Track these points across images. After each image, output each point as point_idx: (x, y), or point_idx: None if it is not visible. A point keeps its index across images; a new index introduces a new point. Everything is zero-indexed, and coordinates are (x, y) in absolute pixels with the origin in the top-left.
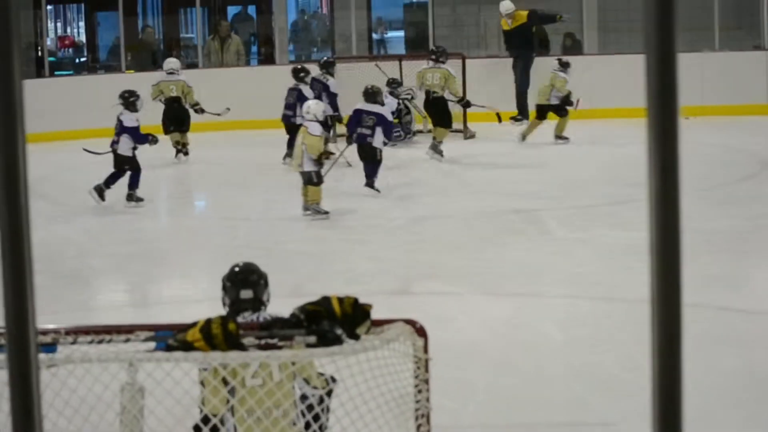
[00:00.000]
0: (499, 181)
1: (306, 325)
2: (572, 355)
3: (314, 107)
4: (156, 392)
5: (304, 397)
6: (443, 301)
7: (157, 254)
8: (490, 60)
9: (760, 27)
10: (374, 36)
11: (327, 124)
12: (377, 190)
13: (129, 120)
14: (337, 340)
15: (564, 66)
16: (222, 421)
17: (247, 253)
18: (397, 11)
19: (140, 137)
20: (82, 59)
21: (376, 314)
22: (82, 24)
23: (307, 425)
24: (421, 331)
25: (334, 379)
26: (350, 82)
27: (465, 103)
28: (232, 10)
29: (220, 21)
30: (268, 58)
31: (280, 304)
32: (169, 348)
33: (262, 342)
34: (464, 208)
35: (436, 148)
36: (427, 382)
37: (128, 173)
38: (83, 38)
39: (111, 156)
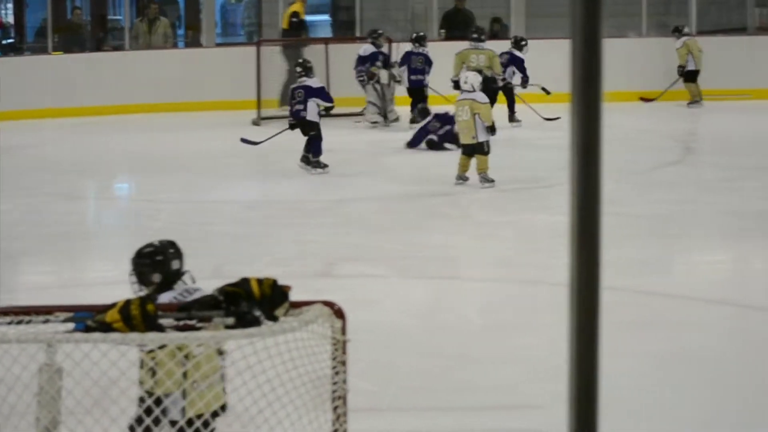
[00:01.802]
0: (425, 165)
1: (225, 307)
2: (494, 338)
3: (472, 77)
4: (74, 373)
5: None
6: (366, 284)
7: (78, 236)
8: None
9: (687, 13)
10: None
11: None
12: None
13: (315, 83)
14: (256, 322)
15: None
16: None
17: (169, 234)
18: None
19: (329, 97)
20: (9, 40)
21: (296, 296)
22: (9, 5)
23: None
24: (339, 313)
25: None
26: (275, 66)
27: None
28: None
29: (148, 3)
30: (195, 41)
31: (202, 285)
32: (87, 329)
33: (181, 323)
34: (388, 192)
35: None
36: (344, 364)
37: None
38: (11, 19)
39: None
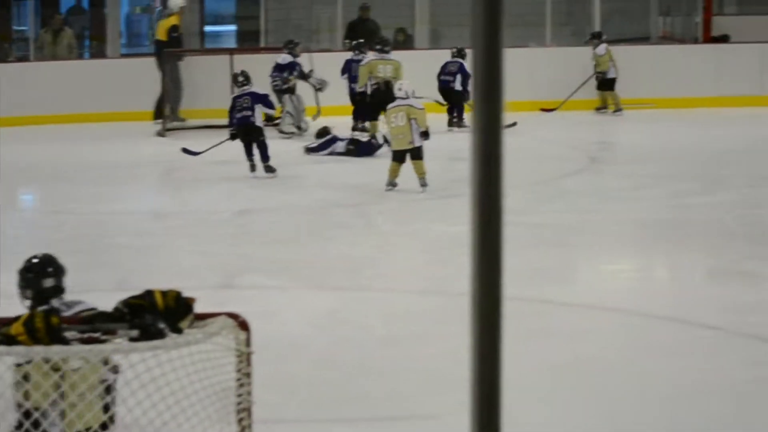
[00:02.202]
0: (327, 175)
1: (129, 319)
2: (396, 349)
3: (406, 85)
4: None
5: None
6: (268, 295)
7: None
8: (322, 54)
9: (591, 23)
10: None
11: None
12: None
13: (259, 90)
14: (160, 334)
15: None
16: (44, 415)
17: (73, 246)
18: (228, 5)
19: (272, 104)
20: None
21: (199, 308)
22: None
23: (106, 408)
24: (243, 325)
25: (116, 370)
26: (181, 75)
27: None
28: (65, 3)
29: (53, 14)
30: (100, 52)
31: (106, 298)
32: None
33: (85, 336)
34: (290, 202)
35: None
36: (249, 376)
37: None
38: None
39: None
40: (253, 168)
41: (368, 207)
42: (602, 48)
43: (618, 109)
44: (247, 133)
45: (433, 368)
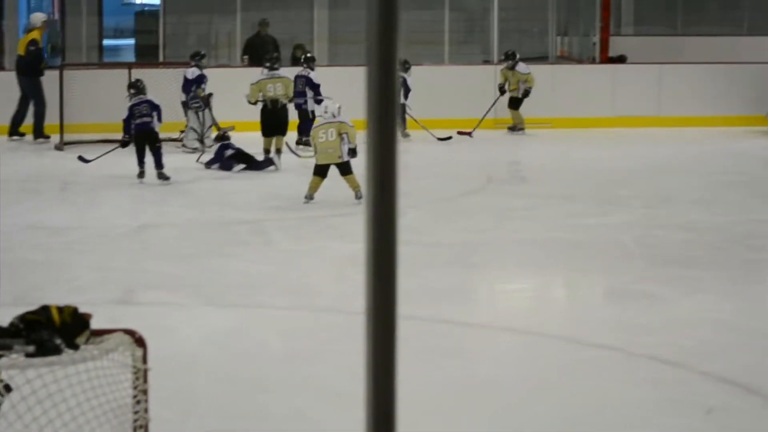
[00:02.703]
0: (228, 192)
1: (25, 334)
2: (294, 366)
3: (331, 106)
4: None
5: None
6: (166, 312)
7: None
8: (220, 69)
9: (489, 42)
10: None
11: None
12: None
13: (155, 99)
14: (56, 350)
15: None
16: None
17: None
18: (127, 19)
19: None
20: None
21: (97, 324)
22: None
23: None
24: (140, 341)
25: (9, 388)
26: (79, 90)
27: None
28: None
29: None
30: None
31: (2, 313)
32: None
33: None
34: (190, 218)
35: (279, 158)
36: (145, 392)
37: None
38: None
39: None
40: (141, 174)
41: (268, 224)
42: (524, 66)
43: (520, 128)
44: (145, 139)
45: (330, 385)
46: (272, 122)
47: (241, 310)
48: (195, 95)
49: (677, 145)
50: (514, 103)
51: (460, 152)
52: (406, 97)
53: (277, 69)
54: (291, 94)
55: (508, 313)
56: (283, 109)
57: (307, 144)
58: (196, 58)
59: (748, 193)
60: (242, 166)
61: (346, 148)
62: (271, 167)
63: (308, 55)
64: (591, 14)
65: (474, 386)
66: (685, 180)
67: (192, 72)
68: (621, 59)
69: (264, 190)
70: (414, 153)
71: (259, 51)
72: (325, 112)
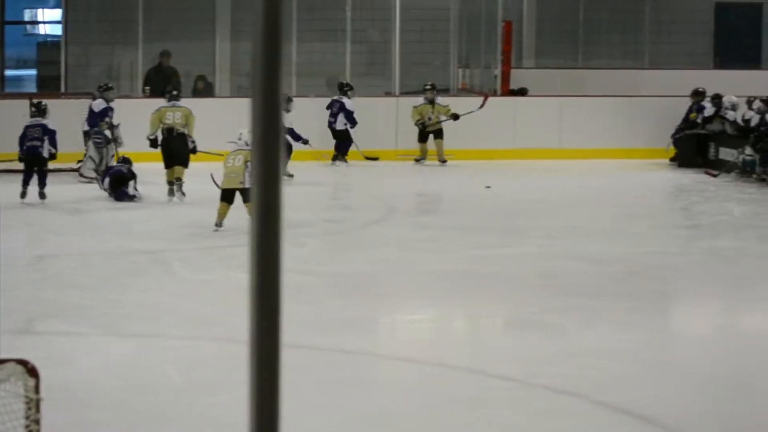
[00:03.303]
0: (126, 222)
1: None
2: (192, 397)
3: (245, 135)
4: None
5: None
6: (64, 341)
7: None
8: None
9: (391, 73)
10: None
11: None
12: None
13: (51, 124)
14: None
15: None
16: None
17: None
18: (29, 49)
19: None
20: None
21: None
22: None
23: None
24: (32, 371)
25: None
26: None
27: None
28: None
29: None
30: None
31: None
32: None
33: None
34: (90, 248)
35: (180, 188)
36: (38, 422)
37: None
38: None
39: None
40: (23, 195)
41: (167, 254)
42: (439, 98)
43: (422, 158)
44: (32, 162)
45: (226, 415)
46: (168, 152)
47: (140, 340)
48: (99, 130)
49: (579, 177)
50: (440, 134)
51: (361, 182)
52: (350, 122)
53: (177, 100)
54: (191, 124)
55: (409, 344)
56: (180, 138)
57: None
58: (102, 90)
59: (650, 224)
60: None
61: (249, 176)
62: (134, 199)
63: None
64: (492, 47)
65: (374, 417)
66: (587, 212)
67: (98, 104)
68: (522, 92)
69: (165, 220)
70: (315, 183)
71: (161, 82)
72: (239, 140)
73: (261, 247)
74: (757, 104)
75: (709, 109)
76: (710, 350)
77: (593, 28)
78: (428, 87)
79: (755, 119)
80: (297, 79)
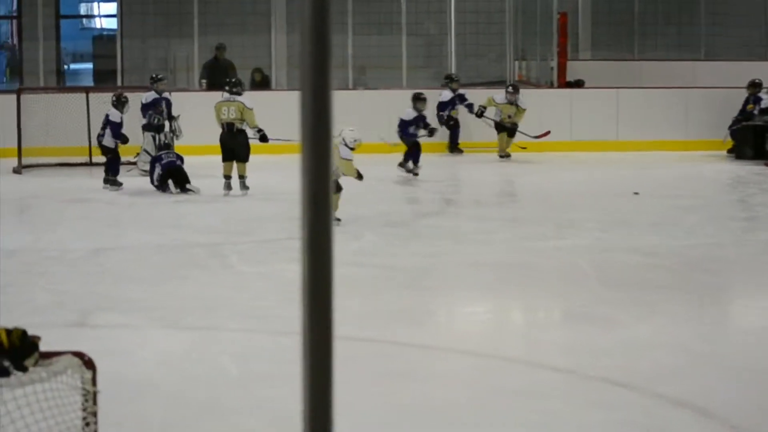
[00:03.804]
0: (183, 215)
1: None
2: (249, 389)
3: (347, 132)
4: None
5: None
6: (121, 334)
7: None
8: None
9: (447, 66)
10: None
11: None
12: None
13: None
14: (5, 372)
15: None
16: None
17: None
18: (85, 43)
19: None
20: None
21: (51, 346)
22: None
23: None
24: (89, 364)
25: None
26: (38, 113)
27: (262, 136)
28: None
29: None
30: None
31: None
32: None
33: None
34: (145, 241)
35: (243, 185)
36: (95, 414)
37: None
38: None
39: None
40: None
41: (222, 247)
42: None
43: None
44: (101, 152)
45: (285, 408)
46: (227, 147)
47: (196, 333)
48: (150, 122)
49: (635, 169)
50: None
51: (418, 175)
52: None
53: (236, 93)
54: (249, 117)
55: (462, 336)
56: (239, 134)
57: (411, 171)
58: (153, 81)
59: (704, 216)
60: (175, 189)
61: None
62: (193, 192)
63: (420, 94)
64: (548, 39)
65: (428, 409)
66: (642, 203)
67: (147, 96)
68: (578, 84)
69: (221, 213)
70: (372, 176)
71: (218, 75)
72: (338, 136)
73: (312, 239)
74: None
75: (766, 101)
76: (765, 345)
77: (649, 19)
78: (510, 90)
79: None
80: (353, 72)
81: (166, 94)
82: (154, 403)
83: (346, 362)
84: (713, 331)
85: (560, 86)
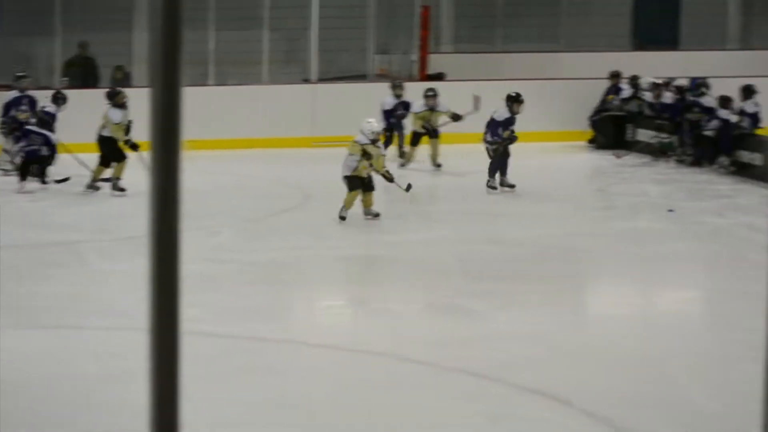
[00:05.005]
0: (43, 213)
1: None
2: (109, 386)
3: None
4: None
5: None
6: None
7: None
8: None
9: (309, 60)
10: None
11: None
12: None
13: None
14: None
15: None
16: None
17: None
18: None
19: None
20: None
21: None
22: None
23: None
24: None
25: None
26: None
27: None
28: None
29: None
30: None
31: None
32: None
33: None
34: (4, 241)
35: (116, 185)
36: None
37: None
38: None
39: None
40: None
41: (83, 245)
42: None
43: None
44: None
45: (141, 404)
46: (101, 150)
47: (55, 332)
48: (5, 119)
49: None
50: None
51: (275, 170)
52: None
53: (111, 104)
54: (114, 132)
55: (322, 330)
56: (107, 141)
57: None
58: (15, 79)
59: (564, 207)
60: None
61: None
62: (55, 183)
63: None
64: (410, 32)
65: (288, 404)
66: (503, 195)
67: (8, 95)
68: (439, 77)
69: (81, 211)
70: (226, 173)
71: (80, 73)
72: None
73: (160, 235)
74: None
75: (626, 91)
76: (623, 331)
77: (511, 11)
78: (430, 93)
79: (670, 100)
80: (215, 68)
81: (30, 92)
82: (21, 402)
83: (205, 358)
84: (570, 320)
85: (421, 79)
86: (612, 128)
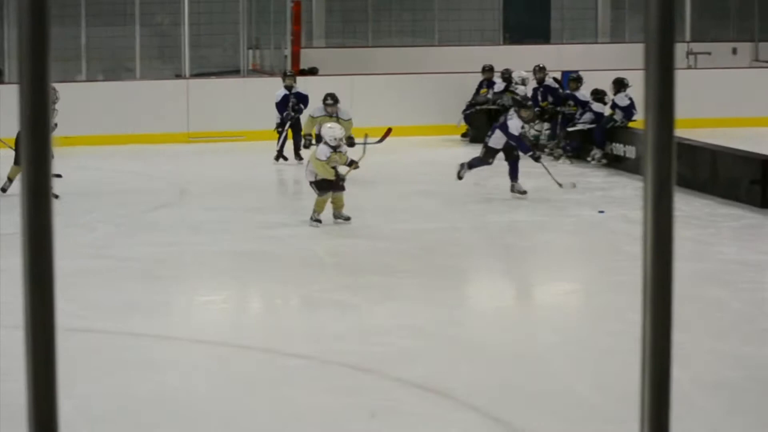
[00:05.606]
0: None
1: None
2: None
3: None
4: None
5: None
6: None
7: None
8: None
9: (181, 56)
10: None
11: None
12: None
13: None
14: None
15: None
16: None
17: None
18: None
19: None
20: None
21: None
22: None
23: None
24: None
25: None
26: None
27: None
28: None
29: None
30: None
31: None
32: None
33: None
34: None
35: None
36: None
37: None
38: None
39: None
40: None
41: None
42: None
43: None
44: None
45: (19, 402)
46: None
47: None
48: None
49: (370, 155)
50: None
51: (151, 166)
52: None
53: None
54: None
55: (200, 325)
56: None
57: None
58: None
59: (440, 201)
60: None
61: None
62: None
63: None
64: (282, 27)
65: (166, 400)
66: (378, 189)
67: None
68: (312, 71)
69: None
70: (101, 169)
71: None
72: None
73: (32, 232)
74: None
75: (499, 85)
76: (502, 324)
77: (383, 6)
78: (329, 102)
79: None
80: (87, 64)
81: None
82: None
83: (83, 354)
84: (449, 314)
85: (294, 74)
86: (485, 122)
